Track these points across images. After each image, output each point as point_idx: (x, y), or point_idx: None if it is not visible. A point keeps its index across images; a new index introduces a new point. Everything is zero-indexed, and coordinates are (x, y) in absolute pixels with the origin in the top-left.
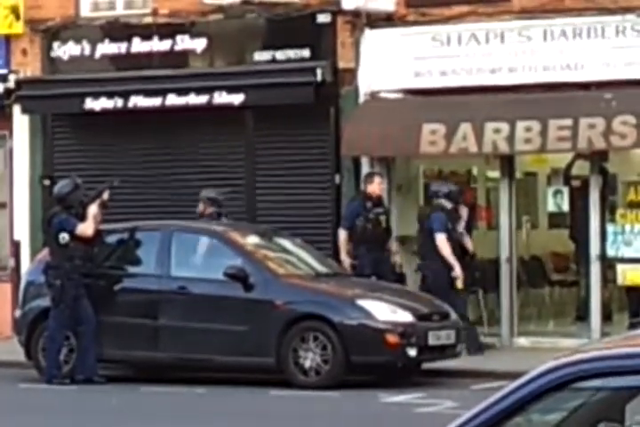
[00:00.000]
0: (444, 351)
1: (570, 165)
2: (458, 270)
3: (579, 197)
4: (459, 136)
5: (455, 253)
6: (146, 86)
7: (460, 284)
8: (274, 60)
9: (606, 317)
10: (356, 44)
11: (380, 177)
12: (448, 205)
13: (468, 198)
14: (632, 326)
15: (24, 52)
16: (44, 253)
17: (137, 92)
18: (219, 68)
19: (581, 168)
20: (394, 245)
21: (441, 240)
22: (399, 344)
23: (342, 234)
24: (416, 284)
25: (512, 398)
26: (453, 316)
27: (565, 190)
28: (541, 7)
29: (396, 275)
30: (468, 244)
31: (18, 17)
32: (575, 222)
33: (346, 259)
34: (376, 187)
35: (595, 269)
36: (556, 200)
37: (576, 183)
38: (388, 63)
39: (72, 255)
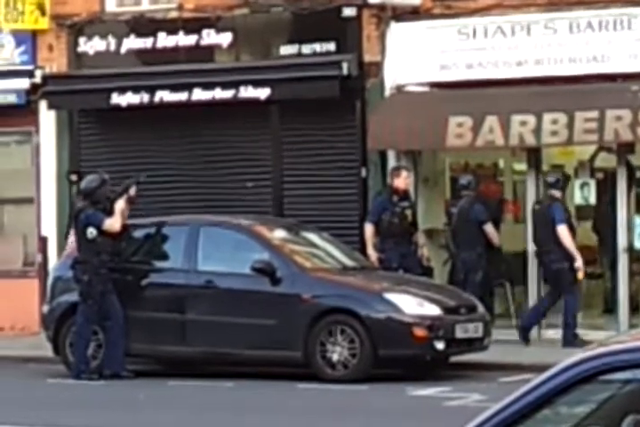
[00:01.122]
0: (471, 344)
1: (593, 158)
2: (580, 262)
3: (604, 189)
4: (485, 129)
5: (481, 246)
6: (172, 81)
7: (580, 275)
8: (299, 54)
9: (634, 309)
10: (382, 38)
11: (406, 171)
12: (555, 193)
13: (494, 191)
14: None
15: (50, 47)
16: (72, 249)
17: (163, 87)
18: (244, 62)
19: (605, 160)
20: (421, 239)
21: (563, 231)
22: (426, 338)
23: (369, 228)
24: (443, 277)
25: (540, 391)
26: (481, 308)
27: (592, 183)
28: None
29: (423, 268)
30: (494, 237)
31: (44, 13)
32: (599, 215)
33: (372, 253)
34: (402, 181)
35: (622, 262)
36: (582, 193)
37: (600, 175)
38: (413, 56)
39: (99, 250)
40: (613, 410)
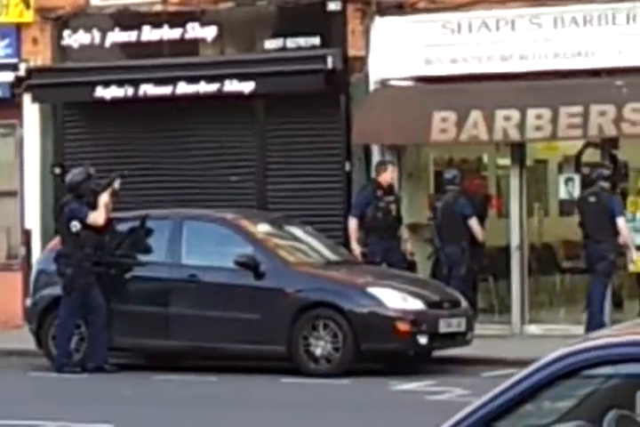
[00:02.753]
0: (454, 339)
1: (580, 153)
2: (635, 253)
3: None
4: (469, 124)
5: (466, 241)
6: (156, 75)
7: (632, 267)
8: (284, 48)
9: (617, 304)
10: (367, 32)
11: (392, 165)
12: (607, 186)
13: (478, 186)
14: None
15: (34, 40)
16: (56, 242)
17: (147, 81)
18: (229, 56)
19: (591, 155)
20: (404, 233)
21: (623, 222)
22: (410, 332)
23: (353, 222)
24: (426, 271)
25: (523, 386)
26: (464, 303)
27: (577, 178)
28: None
29: (407, 263)
30: (479, 232)
31: (28, 5)
32: None
33: (356, 247)
34: (388, 175)
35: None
36: (567, 188)
37: (585, 171)
38: (398, 51)
39: (83, 244)
40: (596, 405)
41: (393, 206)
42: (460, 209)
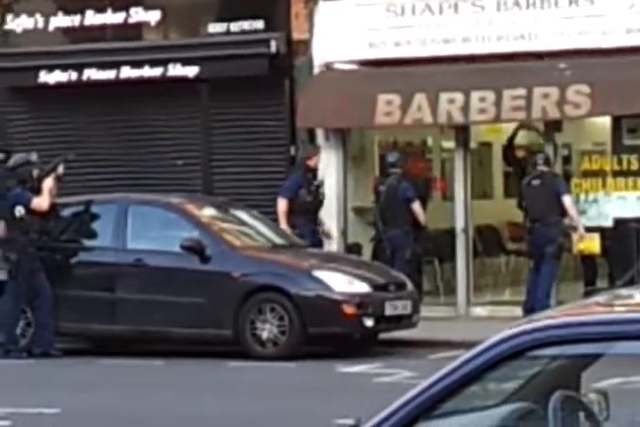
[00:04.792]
0: (400, 321)
1: (513, 136)
2: (583, 231)
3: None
4: (413, 107)
5: (409, 224)
6: (100, 59)
7: (581, 246)
8: (228, 32)
9: (562, 285)
10: (310, 16)
11: (319, 150)
12: (548, 169)
13: (422, 169)
14: (587, 295)
15: None
16: (0, 228)
17: (91, 65)
18: (173, 40)
19: (527, 138)
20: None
21: (569, 201)
22: (356, 315)
23: (283, 204)
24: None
25: (468, 367)
26: (410, 286)
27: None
28: None
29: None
30: (421, 215)
31: None
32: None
33: (286, 228)
34: (318, 160)
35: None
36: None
37: (520, 153)
38: (342, 34)
39: (28, 229)
40: (541, 386)
41: (321, 190)
42: (403, 192)
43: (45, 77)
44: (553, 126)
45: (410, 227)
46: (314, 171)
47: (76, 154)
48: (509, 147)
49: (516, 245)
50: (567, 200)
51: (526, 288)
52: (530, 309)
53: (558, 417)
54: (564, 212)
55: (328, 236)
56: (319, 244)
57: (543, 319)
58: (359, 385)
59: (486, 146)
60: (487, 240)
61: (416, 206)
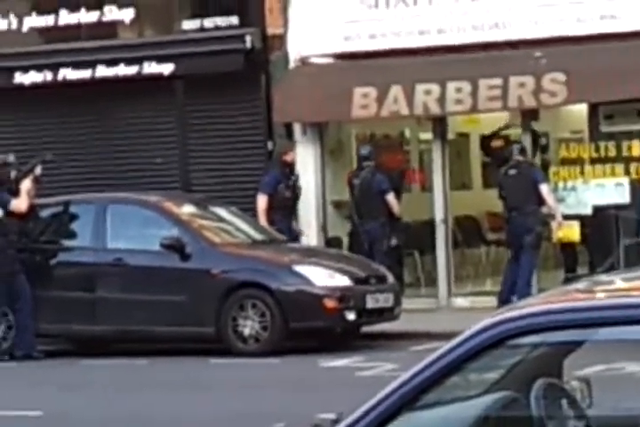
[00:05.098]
0: (382, 314)
1: (493, 134)
2: (560, 218)
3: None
4: (390, 99)
5: (384, 216)
6: (75, 58)
7: (560, 234)
8: (202, 29)
9: (542, 273)
10: (284, 10)
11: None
12: (523, 159)
13: (398, 161)
14: (567, 282)
15: None
16: None
17: (66, 65)
18: (147, 38)
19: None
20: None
21: (546, 190)
22: (337, 309)
23: (263, 200)
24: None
25: (449, 358)
26: (390, 278)
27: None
28: None
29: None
30: (395, 206)
31: None
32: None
33: (266, 225)
34: (294, 154)
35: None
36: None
37: (497, 143)
38: (316, 28)
39: (6, 231)
40: (523, 375)
41: (297, 184)
42: (377, 185)
43: (20, 78)
44: (530, 115)
45: (386, 219)
46: (291, 166)
47: (54, 154)
48: (487, 137)
49: (495, 236)
50: (544, 189)
51: (503, 278)
52: (505, 299)
53: (541, 405)
54: (541, 201)
55: (299, 233)
56: (296, 239)
57: (523, 307)
58: (342, 379)
59: (464, 136)
60: (467, 231)
61: (390, 198)
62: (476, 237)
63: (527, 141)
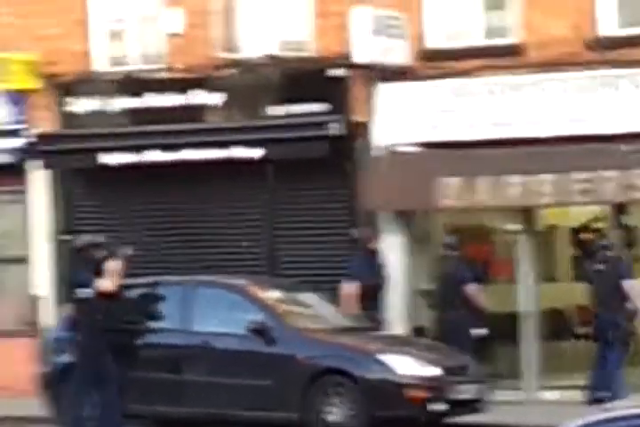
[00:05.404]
0: (466, 406)
1: (584, 227)
2: None
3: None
4: (477, 189)
5: (466, 307)
6: (162, 141)
7: None
8: (289, 115)
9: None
10: (371, 98)
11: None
12: (611, 253)
13: (484, 252)
14: None
15: (40, 107)
16: (68, 309)
17: (154, 147)
18: (235, 122)
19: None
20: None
21: (629, 286)
22: (421, 399)
23: (350, 287)
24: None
25: None
26: (475, 369)
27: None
28: (558, 60)
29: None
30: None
31: (34, 72)
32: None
33: (355, 312)
34: (377, 243)
35: None
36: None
37: (586, 236)
38: (402, 116)
39: (93, 311)
40: None
41: (382, 272)
42: (460, 275)
43: (105, 159)
44: (619, 209)
45: (467, 309)
46: (375, 253)
47: (142, 236)
48: (577, 230)
49: (584, 329)
50: (627, 284)
51: (591, 373)
52: (593, 395)
53: None
54: (626, 296)
55: (382, 321)
56: (380, 327)
57: (619, 409)
58: None
59: (552, 228)
60: (555, 323)
61: (470, 288)
62: (565, 330)
63: (616, 235)
